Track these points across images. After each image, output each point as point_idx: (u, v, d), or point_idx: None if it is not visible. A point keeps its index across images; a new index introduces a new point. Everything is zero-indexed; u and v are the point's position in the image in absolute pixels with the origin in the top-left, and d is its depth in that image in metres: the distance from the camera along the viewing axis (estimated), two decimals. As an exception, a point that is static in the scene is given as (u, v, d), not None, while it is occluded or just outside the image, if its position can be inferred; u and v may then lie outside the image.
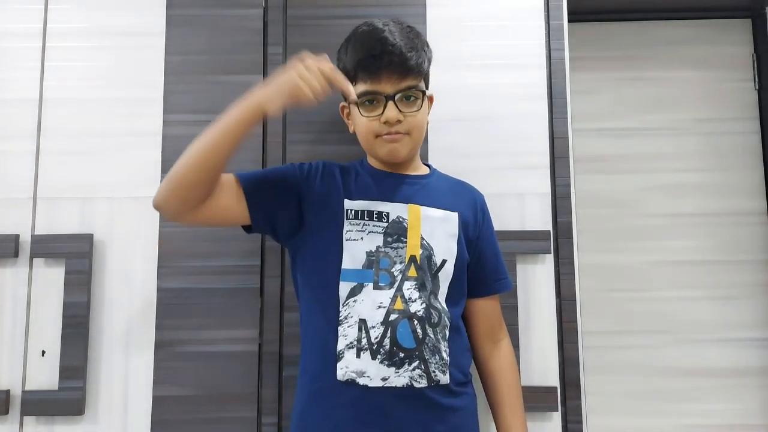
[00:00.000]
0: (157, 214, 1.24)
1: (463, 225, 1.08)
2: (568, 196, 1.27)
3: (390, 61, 0.99)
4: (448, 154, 1.28)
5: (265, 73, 1.29)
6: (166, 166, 1.26)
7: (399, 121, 1.01)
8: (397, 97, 1.01)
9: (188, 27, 1.30)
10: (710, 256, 1.69)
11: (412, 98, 1.03)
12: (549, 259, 1.25)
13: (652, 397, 1.64)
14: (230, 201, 1.02)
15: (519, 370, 1.19)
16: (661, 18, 1.76)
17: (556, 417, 1.20)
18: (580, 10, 1.67)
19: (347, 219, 1.03)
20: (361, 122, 1.05)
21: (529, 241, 1.24)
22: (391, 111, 1.00)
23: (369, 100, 1.02)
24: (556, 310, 1.24)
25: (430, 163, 1.20)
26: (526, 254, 1.24)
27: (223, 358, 1.20)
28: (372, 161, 1.12)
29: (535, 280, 1.24)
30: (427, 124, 1.12)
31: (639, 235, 1.70)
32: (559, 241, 1.26)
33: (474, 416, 1.06)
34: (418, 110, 1.03)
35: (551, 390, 1.20)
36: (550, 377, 1.22)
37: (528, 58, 1.31)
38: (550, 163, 1.28)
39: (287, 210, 1.05)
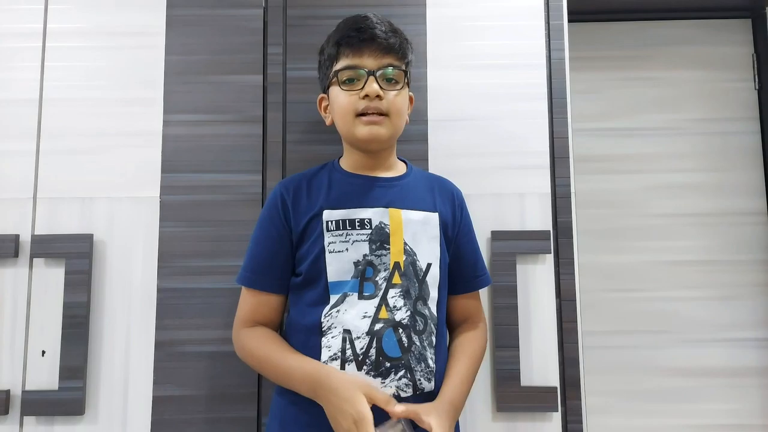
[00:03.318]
0: (158, 214, 1.24)
1: (443, 225, 1.07)
2: (568, 196, 1.27)
3: (373, 35, 1.01)
4: (448, 154, 1.28)
5: (265, 73, 1.29)
6: (166, 166, 1.26)
7: (379, 97, 1.00)
8: (378, 74, 1.01)
9: (188, 27, 1.30)
10: (710, 256, 1.69)
11: (393, 80, 1.03)
12: (549, 259, 1.25)
13: (652, 397, 1.64)
14: (277, 309, 1.07)
15: (519, 369, 1.20)
16: (661, 18, 1.76)
17: (556, 417, 1.20)
18: (580, 10, 1.67)
19: (328, 231, 1.00)
20: (341, 100, 1.03)
21: (529, 241, 1.24)
22: (372, 84, 1.00)
23: (350, 78, 1.02)
24: (556, 310, 1.24)
25: (409, 160, 1.20)
26: (526, 254, 1.24)
27: (223, 358, 1.20)
28: (345, 163, 1.10)
29: (535, 280, 1.24)
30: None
31: (639, 235, 1.70)
32: (559, 241, 1.26)
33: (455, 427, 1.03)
34: (399, 90, 1.03)
35: (551, 390, 1.20)
36: (550, 377, 1.22)
37: (528, 58, 1.31)
38: (550, 163, 1.28)
39: (290, 257, 1.05)
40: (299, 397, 0.96)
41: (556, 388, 1.20)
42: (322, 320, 0.98)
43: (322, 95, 1.12)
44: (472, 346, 1.07)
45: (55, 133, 1.27)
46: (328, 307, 0.98)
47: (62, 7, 1.31)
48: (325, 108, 1.11)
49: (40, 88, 1.28)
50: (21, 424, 1.18)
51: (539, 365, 1.22)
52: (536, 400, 1.19)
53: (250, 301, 1.06)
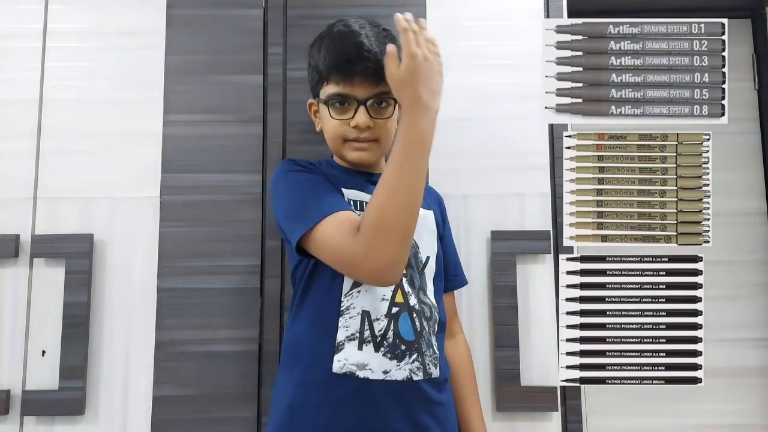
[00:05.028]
0: (158, 214, 1.24)
1: (437, 223, 1.10)
2: (568, 196, 1.27)
3: (365, 66, 0.96)
4: (448, 154, 1.28)
5: (265, 73, 1.29)
6: (166, 166, 1.26)
7: (369, 128, 0.99)
8: (369, 103, 0.98)
9: (188, 27, 1.30)
10: (710, 256, 1.69)
11: (384, 104, 1.00)
12: (549, 259, 1.25)
13: (652, 397, 1.64)
14: None
15: (519, 369, 1.20)
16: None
17: (556, 417, 1.20)
18: (580, 10, 1.66)
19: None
20: (330, 124, 1.02)
21: (529, 241, 1.24)
22: (361, 116, 0.97)
23: (340, 102, 0.99)
24: (556, 310, 1.24)
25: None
26: (526, 254, 1.24)
27: (223, 358, 1.20)
28: (340, 161, 1.10)
29: (535, 280, 1.24)
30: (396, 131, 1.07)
31: (639, 235, 1.70)
32: (558, 241, 1.26)
33: (454, 410, 1.07)
34: (389, 117, 1.01)
35: (551, 390, 1.20)
36: (550, 377, 1.22)
37: (528, 58, 1.31)
38: (550, 163, 1.28)
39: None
40: (307, 378, 0.96)
41: (556, 388, 1.20)
42: (342, 300, 0.97)
43: (311, 100, 1.09)
44: (473, 382, 1.14)
45: (55, 133, 1.27)
46: (348, 288, 0.98)
47: (62, 7, 1.31)
48: (315, 113, 1.10)
49: (40, 88, 1.28)
50: (21, 424, 1.18)
51: (539, 365, 1.22)
52: (536, 400, 1.19)
53: (343, 216, 0.92)
